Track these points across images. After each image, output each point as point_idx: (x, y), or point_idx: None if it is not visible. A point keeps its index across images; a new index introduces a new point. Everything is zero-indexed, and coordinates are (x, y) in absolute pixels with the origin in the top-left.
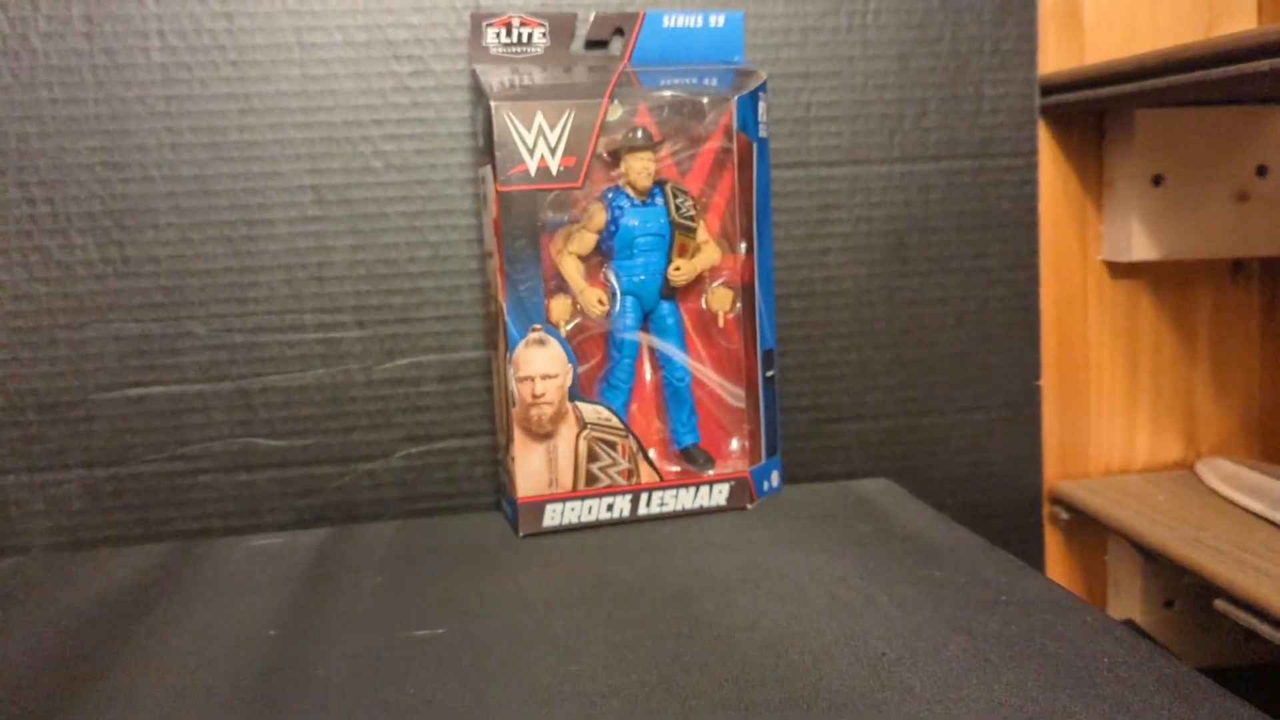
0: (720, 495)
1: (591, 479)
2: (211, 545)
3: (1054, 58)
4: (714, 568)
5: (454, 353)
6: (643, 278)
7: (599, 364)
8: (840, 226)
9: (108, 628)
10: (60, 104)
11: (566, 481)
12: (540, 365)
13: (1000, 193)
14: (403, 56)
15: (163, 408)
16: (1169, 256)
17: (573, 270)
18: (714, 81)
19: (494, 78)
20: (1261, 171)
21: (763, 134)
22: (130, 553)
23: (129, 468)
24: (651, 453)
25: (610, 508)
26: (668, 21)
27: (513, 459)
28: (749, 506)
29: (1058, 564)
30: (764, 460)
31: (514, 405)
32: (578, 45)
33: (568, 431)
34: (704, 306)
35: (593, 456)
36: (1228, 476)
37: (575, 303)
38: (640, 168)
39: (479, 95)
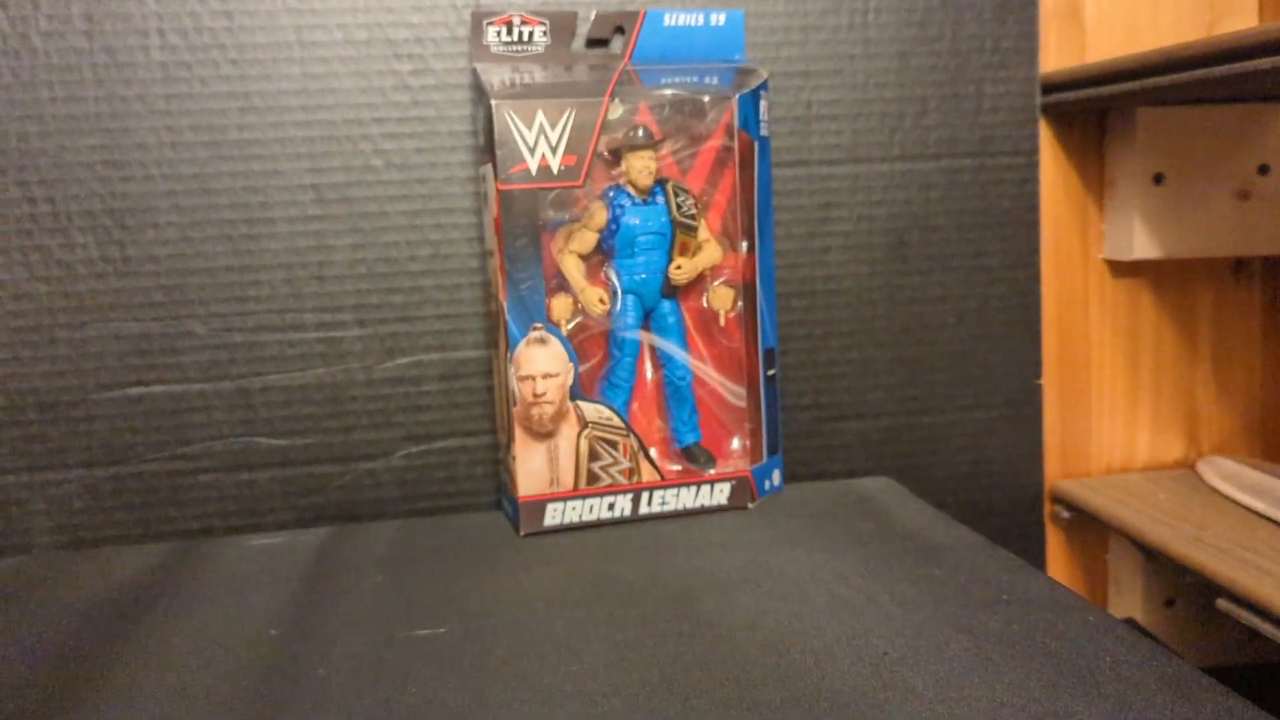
0: (721, 494)
1: (593, 478)
2: (212, 545)
3: (1055, 56)
4: (715, 567)
5: (454, 351)
6: (644, 276)
7: (600, 363)
8: (841, 225)
9: (108, 627)
10: (60, 102)
11: (568, 480)
12: (541, 364)
13: (1001, 191)
14: (403, 55)
15: (163, 407)
16: (1170, 255)
17: (574, 269)
18: (715, 80)
19: (495, 76)
20: (1263, 170)
21: (764, 132)
22: (131, 552)
23: (129, 467)
24: (653, 452)
25: (611, 507)
26: (668, 20)
27: (514, 458)
28: (750, 505)
29: (1059, 563)
30: (765, 459)
31: (515, 404)
32: (578, 44)
33: (569, 430)
34: (705, 305)
35: (594, 455)
36: (1229, 475)
37: (576, 301)
38: (641, 166)
39: (480, 94)
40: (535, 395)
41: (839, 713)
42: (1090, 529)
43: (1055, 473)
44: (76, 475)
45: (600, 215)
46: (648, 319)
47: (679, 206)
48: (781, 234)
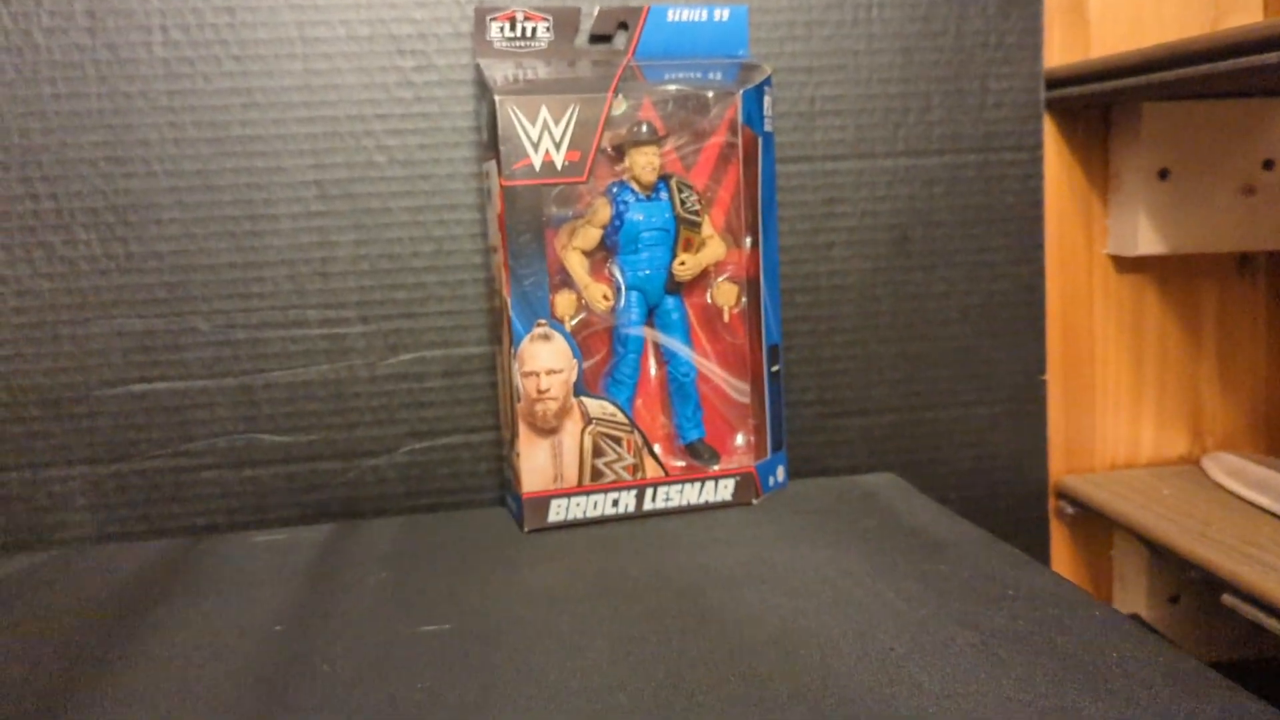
0: (726, 490)
1: (597, 474)
2: (216, 541)
3: (1059, 51)
4: (720, 563)
5: (458, 348)
6: (647, 272)
7: (604, 359)
8: (845, 221)
9: (113, 624)
10: (63, 99)
11: (571, 477)
12: (545, 360)
13: (1005, 187)
14: (406, 51)
15: (166, 404)
16: (1175, 250)
17: (577, 265)
18: (718, 75)
19: (498, 72)
20: (1268, 165)
21: (768, 128)
22: (134, 549)
23: (133, 464)
24: (657, 448)
25: (615, 503)
26: (672, 15)
27: (518, 454)
28: (754, 501)
29: (1063, 559)
30: (769, 455)
31: (519, 400)
32: (582, 39)
33: (573, 427)
34: (709, 301)
35: (598, 452)
36: (1234, 471)
37: (580, 298)
38: (645, 162)
39: (483, 90)
40: (539, 391)
41: (845, 708)
42: (1094, 525)
43: (1059, 468)
44: (80, 472)
45: (604, 211)
46: (651, 315)
47: (683, 202)
48: (785, 230)
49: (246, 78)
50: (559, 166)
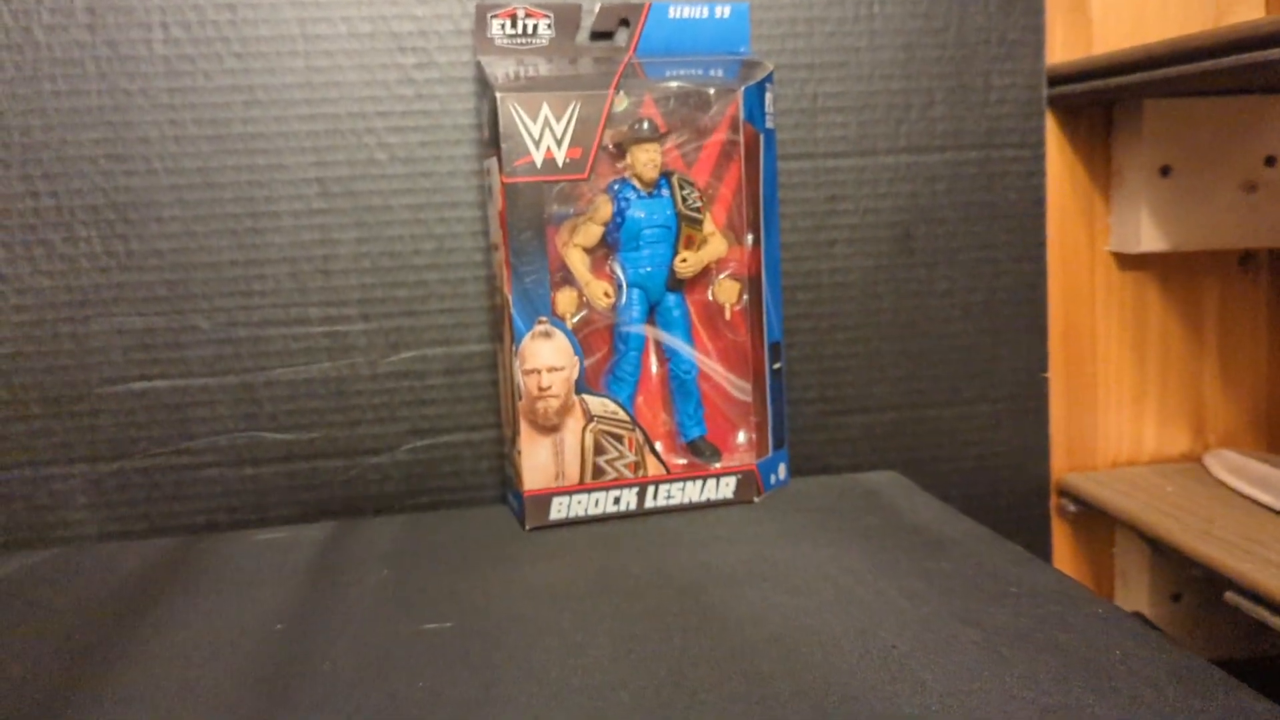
0: (727, 488)
1: (598, 472)
2: (217, 540)
3: (1061, 48)
4: (722, 561)
5: (459, 346)
6: (649, 270)
7: (605, 357)
8: (846, 218)
9: (113, 622)
10: (63, 96)
11: (573, 474)
12: (546, 358)
13: (1007, 184)
14: (407, 48)
15: (167, 401)
16: (1177, 248)
17: (578, 262)
18: (720, 73)
19: (499, 69)
20: (1270, 162)
21: (769, 125)
22: (135, 547)
23: (134, 462)
24: (658, 445)
25: (617, 501)
26: (673, 12)
27: (519, 452)
28: (756, 499)
29: (1065, 557)
30: (771, 453)
31: (520, 398)
32: (583, 36)
33: (574, 424)
34: (710, 298)
35: (599, 449)
36: (1236, 468)
37: (581, 295)
38: (646, 159)
39: (484, 87)
40: (540, 389)
41: (847, 706)
42: (1096, 522)
43: (1061, 466)
44: (80, 470)
45: (605, 208)
46: (653, 312)
47: (684, 199)
48: (787, 227)
49: (248, 75)
50: (560, 163)
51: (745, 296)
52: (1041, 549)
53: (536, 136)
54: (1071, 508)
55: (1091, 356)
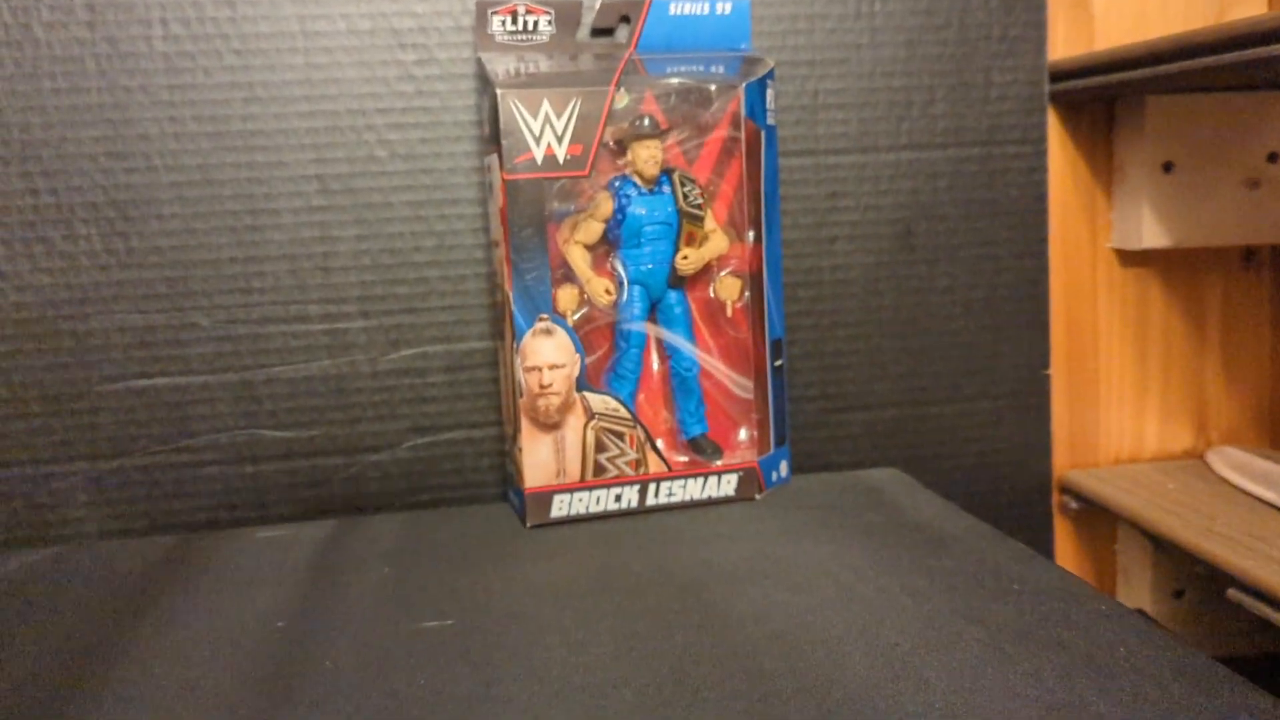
0: (729, 485)
1: (599, 469)
2: (217, 537)
3: (1063, 44)
4: (723, 558)
5: (460, 343)
6: (650, 267)
7: (606, 354)
8: (848, 215)
9: (114, 621)
10: (63, 93)
11: (574, 472)
12: (548, 355)
13: (1009, 180)
14: (407, 45)
15: (167, 399)
16: (1179, 244)
17: (579, 260)
18: (721, 69)
19: (499, 65)
20: (1273, 158)
21: (770, 121)
22: (136, 545)
23: (134, 460)
24: (659, 443)
25: (618, 498)
26: (674, 9)
27: (520, 449)
28: (757, 497)
29: (1067, 554)
30: (772, 450)
31: (521, 395)
32: (583, 33)
33: (575, 422)
34: (712, 295)
35: (600, 447)
36: (1239, 465)
37: (582, 292)
38: (647, 156)
39: (484, 83)
40: (541, 386)
41: (851, 704)
42: (1098, 520)
43: (1063, 463)
44: (80, 468)
45: (606, 205)
46: (654, 310)
47: (685, 196)
48: (788, 224)
49: (247, 72)
50: (561, 160)
51: (746, 293)
52: (1043, 546)
53: (537, 133)
54: (1073, 505)
55: (1093, 353)
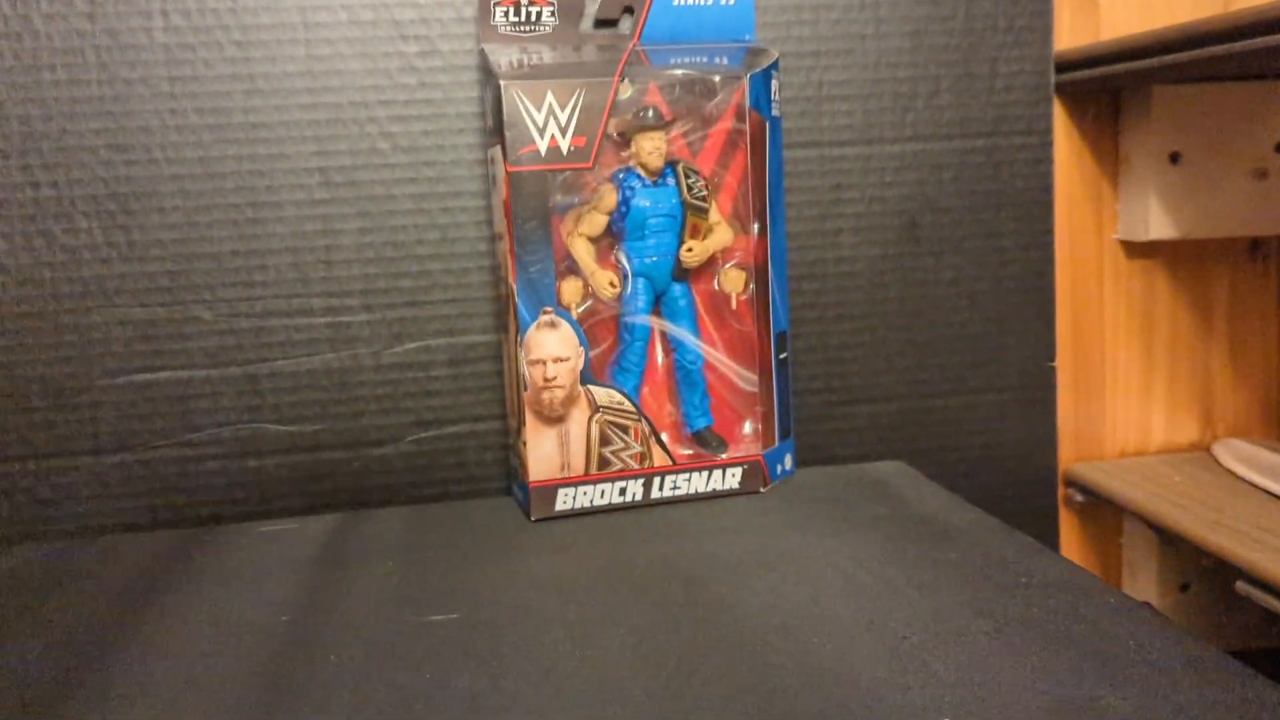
0: (733, 479)
1: (604, 463)
2: (221, 532)
3: (1069, 34)
4: (728, 551)
5: (463, 336)
6: (654, 259)
7: (610, 347)
8: (852, 207)
9: (118, 616)
10: (63, 85)
11: (579, 465)
12: (552, 348)
13: (1014, 171)
14: (409, 36)
15: (170, 393)
16: (1186, 235)
17: (583, 252)
18: (725, 60)
19: (502, 57)
20: None
21: (775, 112)
22: (139, 540)
23: (136, 454)
24: (664, 436)
25: (623, 492)
26: (677, 0)
27: (524, 443)
28: (762, 490)
29: (1072, 547)
30: (777, 443)
31: (525, 389)
32: (587, 24)
33: (579, 415)
34: (716, 288)
35: (605, 440)
36: (1245, 458)
37: (586, 285)
38: (651, 148)
39: (487, 75)
40: (546, 380)
41: (859, 698)
42: (1104, 513)
43: (1069, 456)
44: (83, 463)
45: (610, 197)
46: (658, 303)
47: (690, 188)
48: (792, 216)
49: (248, 64)
50: (565, 152)
51: (751, 286)
52: (1049, 539)
53: (541, 125)
54: (1079, 498)
55: (1099, 345)
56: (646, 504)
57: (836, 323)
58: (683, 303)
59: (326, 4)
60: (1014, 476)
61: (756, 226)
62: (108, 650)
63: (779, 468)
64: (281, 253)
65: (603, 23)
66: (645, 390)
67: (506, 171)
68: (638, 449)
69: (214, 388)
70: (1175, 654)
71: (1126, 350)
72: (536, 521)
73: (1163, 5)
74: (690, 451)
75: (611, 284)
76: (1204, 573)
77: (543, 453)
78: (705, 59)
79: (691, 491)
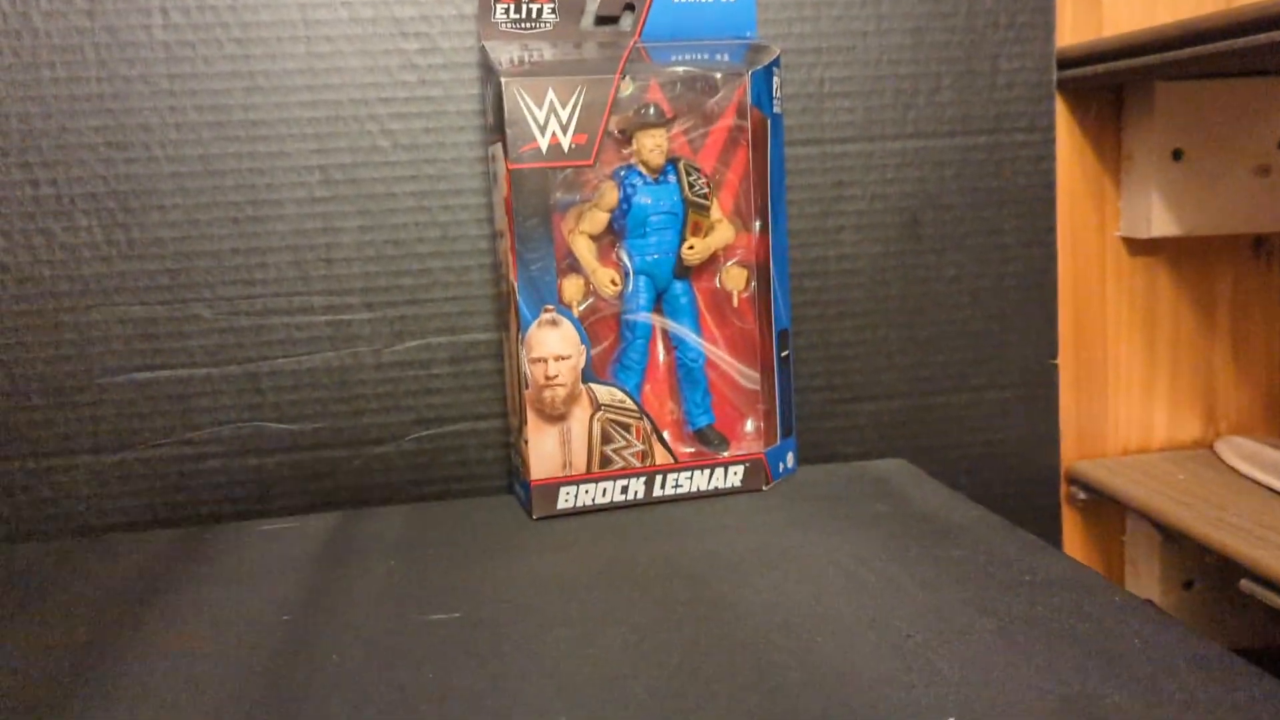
0: (735, 477)
1: (605, 461)
2: (222, 530)
3: (1071, 30)
4: (731, 549)
5: (464, 334)
6: (656, 257)
7: (612, 345)
8: (854, 204)
9: (119, 615)
10: (62, 83)
11: (580, 464)
12: (553, 346)
13: (1016, 168)
14: (410, 33)
15: (170, 392)
16: (1189, 232)
17: (585, 250)
18: (726, 57)
19: (503, 54)
20: None
21: (776, 109)
22: (139, 538)
23: (136, 453)
24: (666, 434)
25: (625, 490)
26: None
27: (526, 441)
28: (764, 488)
29: (1075, 545)
30: (779, 441)
31: (527, 387)
32: (587, 21)
33: (581, 413)
34: (718, 285)
35: (606, 438)
36: (1248, 455)
37: (588, 283)
38: (652, 145)
39: (488, 72)
40: (547, 378)
41: (863, 696)
42: (1106, 510)
43: (1071, 453)
44: (83, 461)
45: (611, 195)
46: (660, 300)
47: (691, 185)
48: (794, 213)
49: (248, 61)
50: (566, 149)
51: (753, 284)
52: (1051, 537)
53: (542, 122)
54: (1081, 495)
55: (1101, 343)
56: (648, 502)
57: (838, 320)
58: (684, 300)
59: (326, 1)
60: (1016, 474)
61: (758, 224)
62: (108, 649)
63: (781, 466)
64: (282, 251)
65: (604, 19)
66: (647, 388)
67: (507, 169)
68: (639, 447)
69: (214, 386)
70: (1180, 652)
71: (1129, 347)
72: (538, 520)
73: (1165, 1)
74: (692, 449)
75: (613, 282)
76: (1207, 570)
77: (544, 451)
78: (706, 56)
79: (693, 489)
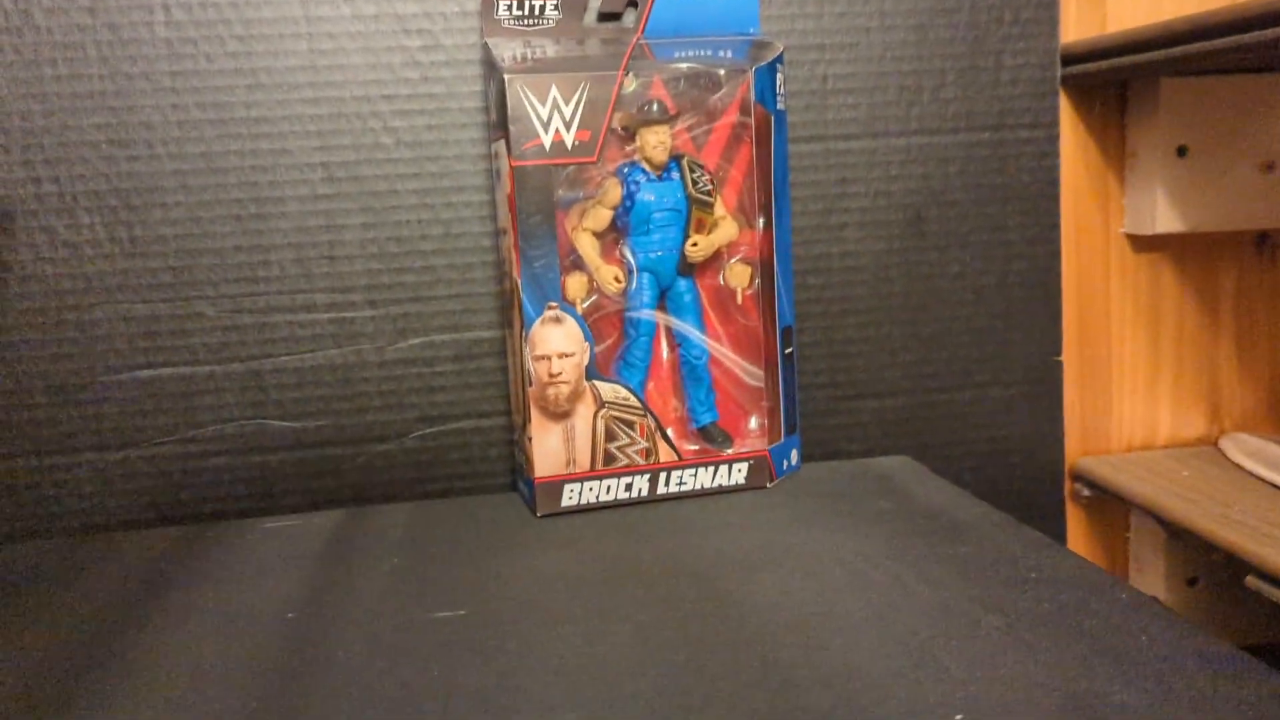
0: (739, 474)
1: (609, 458)
2: (225, 528)
3: (1075, 26)
4: (735, 547)
5: (468, 332)
6: (659, 254)
7: (615, 342)
8: (857, 201)
9: (123, 612)
10: (64, 80)
11: (584, 461)
12: (557, 343)
13: (1020, 165)
14: (412, 30)
15: (173, 389)
16: (1193, 229)
17: (588, 247)
18: (729, 54)
19: (506, 51)
20: None
21: (780, 106)
22: (143, 536)
23: (140, 451)
24: (669, 432)
25: (629, 487)
26: None
27: (530, 439)
28: (768, 485)
29: (1079, 542)
30: (783, 438)
31: (530, 384)
32: (590, 17)
33: (585, 410)
34: (722, 283)
35: (610, 436)
36: (1253, 452)
37: (591, 280)
38: (656, 141)
39: (491, 69)
40: (551, 375)
41: (870, 693)
42: (1111, 507)
43: (1075, 450)
44: (86, 459)
45: (614, 192)
46: (663, 298)
47: (694, 182)
48: (797, 210)
49: (251, 58)
50: (569, 146)
51: (756, 281)
52: (1055, 534)
53: (545, 119)
54: (1085, 492)
55: (1105, 339)
56: (652, 500)
57: (842, 317)
58: (688, 298)
59: None
60: (1020, 471)
61: (761, 221)
62: (113, 647)
63: (785, 463)
64: (285, 248)
65: (606, 16)
66: (651, 385)
67: (510, 166)
68: (643, 444)
69: (217, 384)
70: (1187, 649)
71: (1133, 344)
72: (542, 517)
73: None
74: (696, 447)
75: (616, 279)
76: (1211, 567)
77: (548, 448)
78: (710, 52)
79: (697, 487)
